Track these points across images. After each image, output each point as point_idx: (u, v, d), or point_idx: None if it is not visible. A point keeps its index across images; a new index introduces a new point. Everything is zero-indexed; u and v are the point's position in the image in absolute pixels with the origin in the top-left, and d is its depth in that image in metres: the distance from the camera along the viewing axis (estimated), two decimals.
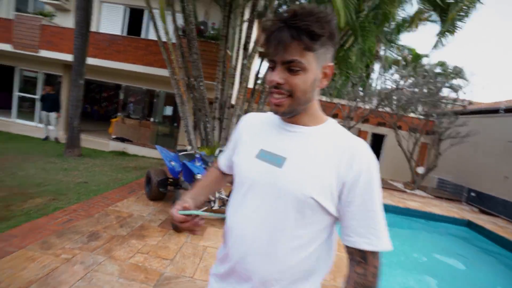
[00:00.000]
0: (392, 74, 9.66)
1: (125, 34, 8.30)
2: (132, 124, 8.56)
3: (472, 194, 8.45)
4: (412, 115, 9.84)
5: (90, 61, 6.74)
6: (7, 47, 7.76)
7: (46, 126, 7.90)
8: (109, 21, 8.43)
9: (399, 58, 14.84)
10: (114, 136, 8.30)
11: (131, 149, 8.10)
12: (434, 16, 6.43)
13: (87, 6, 6.07)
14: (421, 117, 9.55)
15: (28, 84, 9.16)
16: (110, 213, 3.40)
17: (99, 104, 13.71)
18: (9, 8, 9.03)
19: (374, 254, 0.65)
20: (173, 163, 3.93)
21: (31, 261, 2.23)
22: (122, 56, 7.29)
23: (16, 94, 9.06)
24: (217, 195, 3.58)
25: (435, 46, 6.11)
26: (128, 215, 3.43)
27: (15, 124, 8.85)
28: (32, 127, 8.70)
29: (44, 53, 7.61)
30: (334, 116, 10.01)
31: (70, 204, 3.47)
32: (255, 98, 6.49)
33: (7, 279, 1.98)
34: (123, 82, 8.35)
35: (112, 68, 7.45)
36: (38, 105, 8.84)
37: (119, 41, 7.45)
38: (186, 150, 4.18)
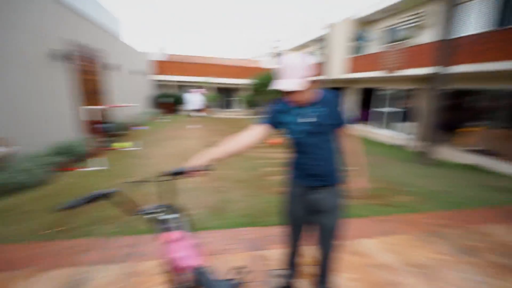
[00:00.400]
0: None
1: (491, 28, 7.07)
2: (495, 134, 7.10)
3: None
4: None
5: (449, 69, 6.58)
6: (373, 74, 10.00)
7: (404, 135, 9.06)
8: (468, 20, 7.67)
9: None
10: (469, 148, 7.45)
11: (491, 164, 6.75)
12: None
13: (451, 16, 5.96)
14: None
15: (380, 100, 11.11)
16: (478, 233, 3.02)
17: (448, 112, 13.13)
18: (375, 44, 11.56)
19: None
20: None
21: (413, 247, 2.61)
22: (489, 55, 6.29)
23: (373, 109, 11.45)
24: None
25: None
26: (506, 244, 2.83)
27: (372, 132, 11.17)
28: (386, 135, 10.43)
29: (400, 72, 8.76)
30: None
31: (435, 210, 3.61)
32: None
33: (396, 254, 2.48)
34: (482, 85, 7.20)
35: (470, 72, 6.70)
36: (388, 116, 10.46)
37: (486, 39, 6.48)
38: None
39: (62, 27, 6.21)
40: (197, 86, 16.24)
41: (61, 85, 5.92)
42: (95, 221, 2.88)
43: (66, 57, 5.96)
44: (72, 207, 1.05)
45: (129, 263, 2.19)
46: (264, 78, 15.83)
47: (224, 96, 22.11)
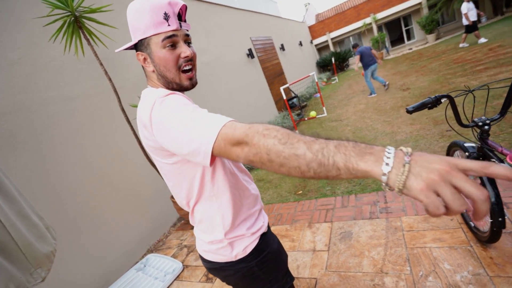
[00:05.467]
0: None
1: None
2: None
3: None
4: None
5: None
6: None
7: None
8: None
9: None
10: None
11: None
12: None
13: None
14: None
15: None
16: None
17: None
18: None
19: None
20: None
21: None
22: None
23: None
24: None
25: None
26: None
27: None
28: None
29: None
30: None
31: None
32: None
33: None
34: None
35: None
36: None
37: None
38: None
39: (249, 28, 7.39)
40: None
41: (256, 76, 7.13)
42: (326, 184, 3.18)
43: (254, 51, 7.06)
44: (417, 109, 1.37)
45: (384, 219, 2.19)
46: None
47: (394, 30, 18.65)
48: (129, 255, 2.91)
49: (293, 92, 8.35)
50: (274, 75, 8.41)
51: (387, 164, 0.39)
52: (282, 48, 9.88)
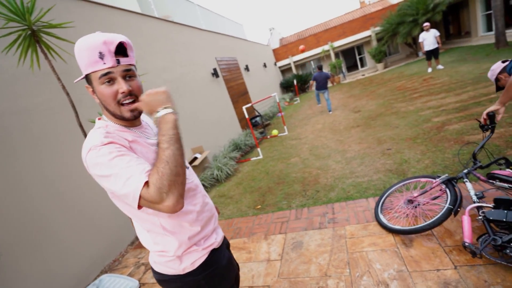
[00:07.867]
0: None
1: None
2: None
3: None
4: None
5: None
6: None
7: None
8: None
9: None
10: None
11: None
12: None
13: None
14: None
15: None
16: None
17: None
18: None
19: None
20: None
21: None
22: None
23: None
24: None
25: None
26: None
27: None
28: None
29: None
30: None
31: None
32: None
33: None
34: None
35: None
36: None
37: None
38: None
39: (214, 48, 7.62)
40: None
41: (221, 94, 7.32)
42: (283, 198, 3.38)
43: (219, 71, 7.29)
44: None
45: (331, 229, 2.42)
46: (393, 18, 13.31)
47: (350, 57, 20.46)
48: (79, 277, 2.75)
49: (256, 111, 8.68)
50: (239, 94, 8.70)
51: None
52: (247, 68, 10.31)
